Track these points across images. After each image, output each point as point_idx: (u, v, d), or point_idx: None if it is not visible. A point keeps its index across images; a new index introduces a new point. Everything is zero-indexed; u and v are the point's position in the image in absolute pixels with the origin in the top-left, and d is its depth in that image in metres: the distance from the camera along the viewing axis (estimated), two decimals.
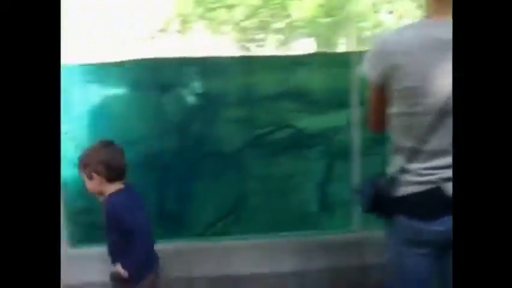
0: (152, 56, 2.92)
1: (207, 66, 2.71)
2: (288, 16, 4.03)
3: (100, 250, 1.87)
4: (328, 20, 3.73)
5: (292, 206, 2.44)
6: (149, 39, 3.97)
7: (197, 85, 2.81)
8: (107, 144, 1.62)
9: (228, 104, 2.57)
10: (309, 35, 3.90)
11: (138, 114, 2.74)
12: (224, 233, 2.14)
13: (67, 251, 1.91)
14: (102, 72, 2.60)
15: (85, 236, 2.14)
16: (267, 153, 2.48)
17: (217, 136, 2.58)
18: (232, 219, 2.38)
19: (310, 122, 2.51)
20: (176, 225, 2.45)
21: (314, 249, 1.77)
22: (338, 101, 2.45)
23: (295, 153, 2.48)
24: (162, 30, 4.31)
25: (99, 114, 2.56)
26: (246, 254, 1.70)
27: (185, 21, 4.35)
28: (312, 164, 2.48)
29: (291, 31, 3.86)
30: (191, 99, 2.77)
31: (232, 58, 2.83)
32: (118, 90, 2.87)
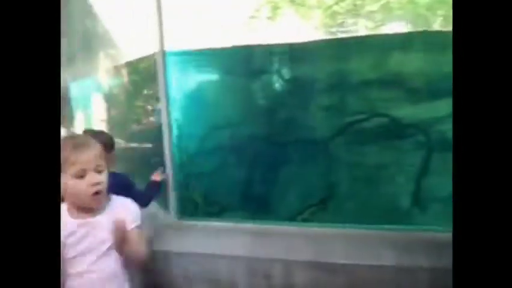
0: (243, 43, 2.99)
1: (297, 51, 2.65)
2: None
3: (205, 223, 2.06)
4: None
5: (383, 198, 2.34)
6: (241, 26, 4.06)
7: (287, 71, 2.79)
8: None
9: (318, 91, 2.52)
10: (405, 18, 3.58)
11: (229, 100, 2.85)
12: (313, 220, 2.16)
13: (174, 222, 2.11)
14: (196, 58, 2.69)
15: (191, 209, 2.35)
16: (358, 142, 2.40)
17: (307, 123, 2.55)
18: (321, 207, 2.38)
19: (407, 111, 2.35)
20: (263, 209, 2.53)
21: (411, 245, 1.69)
22: (438, 88, 2.24)
23: (388, 143, 2.35)
24: (252, 17, 4.38)
25: (194, 99, 2.70)
26: (338, 242, 1.70)
27: (275, 7, 4.36)
28: (407, 155, 2.33)
29: (385, 14, 3.60)
30: (281, 85, 2.78)
31: (323, 42, 2.75)
32: (211, 76, 3.01)
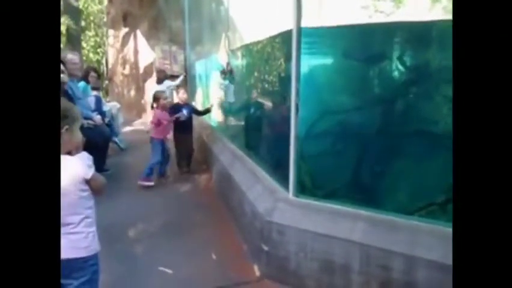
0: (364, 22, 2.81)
1: (422, 32, 2.39)
2: None
3: (318, 204, 2.10)
4: None
5: None
6: (363, 8, 3.86)
7: (409, 55, 2.55)
8: None
9: (445, 80, 2.28)
10: None
11: (344, 84, 2.76)
12: (431, 217, 1.99)
13: (292, 198, 2.19)
14: (313, 37, 2.56)
15: (305, 189, 2.41)
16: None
17: (428, 115, 2.34)
18: (441, 205, 2.18)
19: None
20: (371, 198, 2.43)
21: None
22: None
23: None
24: None
25: (307, 81, 2.67)
26: None
27: None
28: None
29: None
30: (400, 71, 2.57)
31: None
32: (327, 58, 2.94)
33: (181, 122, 4.29)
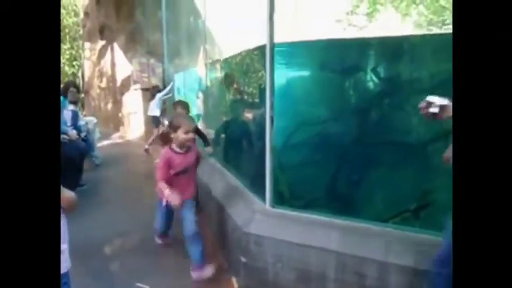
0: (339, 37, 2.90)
1: (395, 47, 2.49)
2: None
3: (295, 214, 2.12)
4: None
5: None
6: (337, 22, 3.99)
7: (383, 68, 2.65)
8: None
9: (417, 91, 2.37)
10: None
11: (321, 95, 2.82)
12: (405, 224, 2.05)
13: (268, 209, 2.19)
14: (290, 51, 2.67)
15: (281, 200, 2.42)
16: None
17: (401, 125, 2.42)
18: (416, 214, 2.25)
19: None
20: (347, 207, 2.48)
21: None
22: None
23: None
24: (350, 13, 4.26)
25: (285, 93, 2.71)
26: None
27: (373, 3, 4.18)
28: None
29: None
30: (375, 83, 2.66)
31: (426, 36, 2.61)
32: (304, 71, 3.01)
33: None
